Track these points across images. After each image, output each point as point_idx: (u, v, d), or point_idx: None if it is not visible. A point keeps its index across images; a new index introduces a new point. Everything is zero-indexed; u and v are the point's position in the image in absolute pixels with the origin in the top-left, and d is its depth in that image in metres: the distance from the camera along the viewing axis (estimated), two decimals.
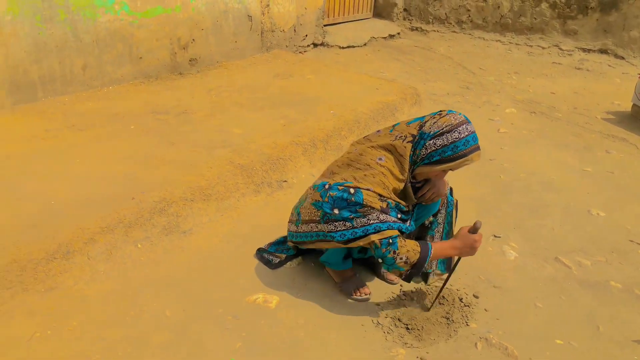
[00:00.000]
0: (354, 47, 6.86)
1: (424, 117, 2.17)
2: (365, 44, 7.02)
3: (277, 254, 2.59)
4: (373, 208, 2.07)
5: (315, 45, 6.55)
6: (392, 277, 2.52)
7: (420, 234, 2.50)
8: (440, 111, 2.14)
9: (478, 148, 2.09)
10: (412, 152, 2.11)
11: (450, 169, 2.13)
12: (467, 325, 2.27)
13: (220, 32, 5.23)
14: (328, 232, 2.16)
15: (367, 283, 2.45)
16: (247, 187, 3.17)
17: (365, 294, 2.39)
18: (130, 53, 4.52)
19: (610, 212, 3.29)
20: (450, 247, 2.17)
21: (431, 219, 2.45)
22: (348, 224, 2.10)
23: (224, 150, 3.41)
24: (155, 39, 4.66)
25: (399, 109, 4.62)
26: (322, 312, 2.29)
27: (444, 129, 2.05)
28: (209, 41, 5.15)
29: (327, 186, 2.14)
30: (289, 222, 2.44)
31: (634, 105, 5.07)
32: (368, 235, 2.08)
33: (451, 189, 2.46)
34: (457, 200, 2.47)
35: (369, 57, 6.56)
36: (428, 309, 2.31)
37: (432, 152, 2.07)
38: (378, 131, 2.30)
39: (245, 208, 3.05)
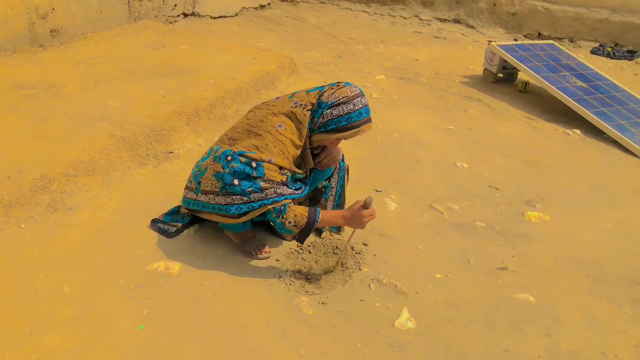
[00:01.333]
0: (225, 17, 6.80)
1: (323, 86, 2.30)
2: (236, 14, 6.98)
3: (173, 223, 2.59)
4: (273, 181, 2.17)
5: (185, 15, 6.38)
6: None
7: (315, 197, 2.65)
8: (339, 82, 2.28)
9: (369, 120, 2.27)
10: (310, 120, 2.23)
11: (344, 138, 2.28)
12: (360, 270, 2.48)
13: (83, 0, 4.90)
14: (224, 204, 2.22)
15: (266, 242, 2.56)
16: (132, 159, 3.09)
17: (266, 253, 2.50)
18: None
19: (472, 164, 3.71)
20: (339, 216, 2.28)
21: (324, 182, 2.61)
22: (245, 198, 2.17)
23: (103, 123, 3.28)
24: (9, 7, 4.25)
25: (278, 77, 4.71)
26: (226, 273, 2.36)
27: (341, 100, 2.20)
28: (71, 10, 4.81)
29: (229, 157, 2.19)
30: (185, 188, 2.45)
31: (485, 69, 5.66)
32: (264, 206, 2.19)
33: (343, 156, 2.63)
34: (348, 166, 2.64)
35: (241, 28, 6.55)
36: (331, 271, 2.45)
37: (329, 121, 2.22)
38: (277, 98, 2.38)
39: (132, 181, 2.98)
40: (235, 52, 5.05)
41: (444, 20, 7.69)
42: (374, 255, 2.60)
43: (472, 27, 7.57)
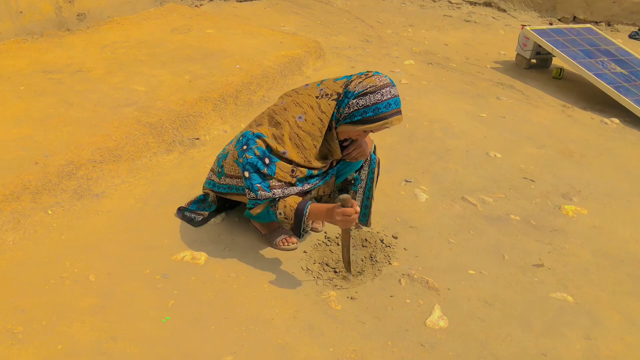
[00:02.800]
0: (251, 0, 6.69)
1: (351, 75, 2.20)
2: None
3: (200, 212, 2.55)
4: (282, 181, 2.13)
5: None
6: (317, 225, 2.58)
7: (344, 188, 2.58)
8: (367, 72, 2.16)
9: (399, 112, 2.12)
10: (335, 110, 2.14)
11: (371, 131, 2.15)
12: (390, 264, 2.40)
13: None
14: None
15: None
16: (159, 146, 3.05)
17: (293, 243, 2.44)
18: (9, 7, 4.08)
19: (506, 154, 3.58)
20: (324, 210, 2.12)
21: (354, 174, 2.52)
22: (252, 194, 2.13)
23: (129, 108, 3.25)
24: None
25: (305, 62, 4.62)
26: (252, 264, 2.31)
27: (368, 89, 2.07)
28: None
29: (245, 146, 2.14)
30: (210, 171, 2.43)
31: (517, 54, 5.47)
32: (268, 202, 2.17)
33: (375, 148, 2.54)
34: (379, 159, 2.55)
35: (267, 11, 6.44)
36: (351, 273, 2.30)
37: (354, 111, 2.09)
38: (306, 85, 2.29)
39: (158, 168, 2.95)
40: (261, 36, 4.97)
41: (475, 4, 7.46)
42: (404, 249, 2.52)
43: (504, 10, 7.33)
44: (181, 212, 2.56)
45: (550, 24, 6.25)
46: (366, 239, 2.52)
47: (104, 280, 2.11)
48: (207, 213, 2.55)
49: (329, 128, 2.17)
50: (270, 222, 2.44)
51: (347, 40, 5.71)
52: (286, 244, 2.43)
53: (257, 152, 2.11)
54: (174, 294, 2.08)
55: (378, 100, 2.06)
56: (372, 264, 2.39)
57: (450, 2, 7.45)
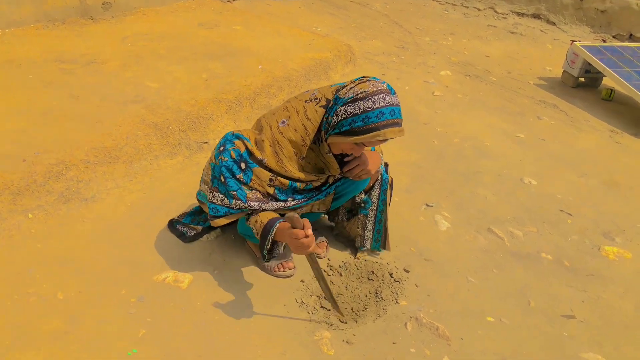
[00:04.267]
0: None
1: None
2: None
3: (193, 226, 2.32)
4: (259, 191, 1.90)
5: None
6: (319, 250, 2.32)
7: (353, 210, 2.31)
8: (364, 76, 1.86)
9: (396, 124, 1.77)
10: (325, 119, 1.87)
11: (363, 143, 1.84)
12: (397, 302, 2.12)
13: None
14: (209, 200, 1.97)
15: (292, 257, 2.24)
16: (162, 148, 2.85)
17: (289, 269, 2.19)
18: None
19: (542, 181, 3.24)
20: (287, 233, 1.79)
21: (363, 196, 2.24)
22: (227, 200, 1.90)
23: (137, 106, 3.05)
24: None
25: (332, 67, 4.36)
26: (241, 292, 2.06)
27: (358, 95, 1.76)
28: None
29: (221, 148, 1.91)
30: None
31: (564, 71, 5.08)
32: (242, 214, 1.94)
33: (387, 165, 2.25)
34: (392, 179, 2.26)
35: (302, 10, 6.21)
36: (339, 312, 2.01)
37: (343, 120, 1.79)
38: (307, 91, 2.03)
39: (158, 172, 2.73)
40: (290, 36, 4.73)
41: (522, 15, 7.05)
42: (416, 285, 2.23)
43: (553, 23, 6.90)
44: (173, 225, 2.34)
45: (604, 41, 5.82)
46: (373, 271, 2.24)
47: (72, 300, 1.89)
48: (200, 228, 2.32)
49: (319, 139, 1.89)
50: None
51: (382, 45, 5.42)
52: (282, 269, 2.18)
53: (233, 155, 1.87)
54: (147, 322, 1.85)
55: (368, 108, 1.75)
56: (377, 302, 2.11)
57: (496, 12, 7.06)
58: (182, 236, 2.29)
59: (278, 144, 1.88)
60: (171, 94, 3.26)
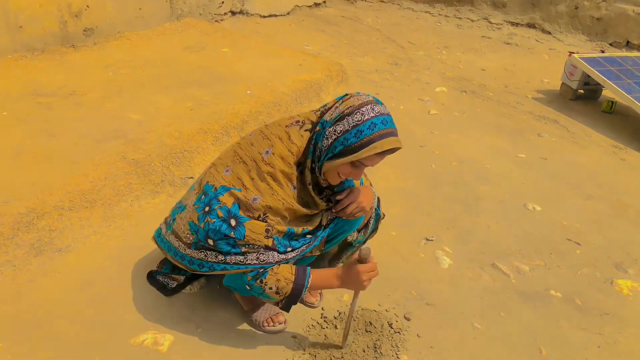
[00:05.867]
0: (276, 16, 6.34)
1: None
2: (288, 13, 6.51)
3: (174, 275, 2.14)
4: (255, 245, 1.70)
5: (233, 13, 5.97)
6: (312, 299, 2.15)
7: (343, 251, 2.14)
8: (346, 94, 1.72)
9: (392, 133, 1.64)
10: (313, 145, 1.71)
11: (361, 162, 1.68)
12: (398, 358, 1.94)
13: None
14: (197, 259, 1.78)
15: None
16: (143, 187, 2.68)
17: (280, 324, 2.01)
18: (7, 21, 3.80)
19: (547, 206, 3.07)
20: (333, 276, 1.78)
21: (355, 235, 2.08)
22: (220, 257, 1.73)
23: (116, 142, 2.88)
24: (38, 4, 3.95)
25: (324, 88, 4.21)
26: (227, 353, 1.89)
27: (345, 112, 1.63)
28: (107, 8, 4.47)
29: (207, 208, 1.71)
30: (164, 220, 2.01)
31: (563, 84, 4.94)
32: (240, 270, 1.74)
33: (379, 200, 2.09)
34: (384, 214, 2.10)
35: (292, 28, 6.08)
36: (341, 347, 1.95)
37: (335, 141, 1.64)
38: (283, 117, 1.86)
39: (139, 214, 2.56)
40: (280, 57, 4.58)
41: (517, 24, 6.92)
42: (418, 335, 2.06)
43: (549, 32, 6.77)
44: (152, 276, 2.16)
45: (602, 51, 5.68)
46: (371, 322, 2.07)
47: None
48: (182, 278, 2.14)
49: (304, 168, 1.73)
50: (254, 296, 2.02)
51: (375, 62, 5.28)
52: (272, 324, 2.00)
53: (220, 214, 1.68)
54: None
55: (358, 121, 1.61)
56: (376, 357, 1.93)
57: (490, 22, 6.94)
58: (162, 289, 2.11)
59: (270, 176, 1.71)
60: (154, 126, 3.10)
